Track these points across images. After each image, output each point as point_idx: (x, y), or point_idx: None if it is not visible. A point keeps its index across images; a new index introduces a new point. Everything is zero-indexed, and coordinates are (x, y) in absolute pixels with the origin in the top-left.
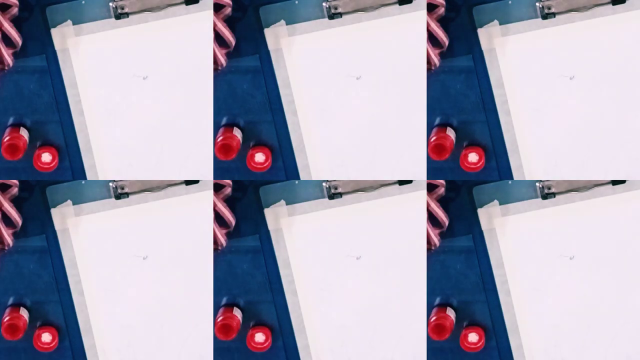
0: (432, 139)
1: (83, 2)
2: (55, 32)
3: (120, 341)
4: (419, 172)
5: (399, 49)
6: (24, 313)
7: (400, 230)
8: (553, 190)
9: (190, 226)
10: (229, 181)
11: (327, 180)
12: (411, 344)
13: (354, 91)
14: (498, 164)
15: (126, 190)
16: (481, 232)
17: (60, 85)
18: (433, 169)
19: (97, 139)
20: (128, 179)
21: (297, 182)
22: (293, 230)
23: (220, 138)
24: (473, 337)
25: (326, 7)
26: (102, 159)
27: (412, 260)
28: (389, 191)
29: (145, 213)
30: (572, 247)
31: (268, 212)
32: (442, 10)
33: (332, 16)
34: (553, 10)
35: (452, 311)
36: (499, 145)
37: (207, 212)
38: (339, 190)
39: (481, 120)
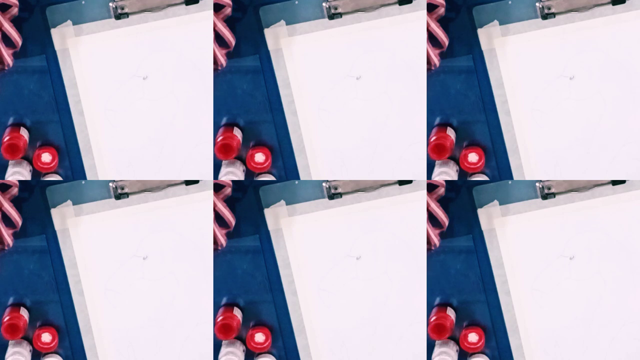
0: (432, 139)
1: (83, 2)
2: (55, 32)
3: (120, 341)
4: (419, 172)
5: (399, 49)
6: (24, 313)
7: (400, 230)
8: (553, 190)
9: (190, 226)
10: (229, 181)
11: (327, 180)
12: (411, 344)
13: (354, 91)
14: (498, 164)
15: (126, 190)
16: (481, 232)
17: (60, 85)
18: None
19: (97, 139)
20: (128, 179)
21: (297, 182)
22: (293, 230)
23: (220, 138)
24: (473, 337)
25: (326, 7)
26: (102, 159)
27: (412, 260)
28: (389, 191)
29: (145, 213)
30: (572, 247)
31: (268, 212)
32: (442, 10)
33: (332, 16)
34: (553, 10)
35: (452, 311)
36: (499, 145)
37: (207, 212)
38: (339, 190)
39: (481, 120)
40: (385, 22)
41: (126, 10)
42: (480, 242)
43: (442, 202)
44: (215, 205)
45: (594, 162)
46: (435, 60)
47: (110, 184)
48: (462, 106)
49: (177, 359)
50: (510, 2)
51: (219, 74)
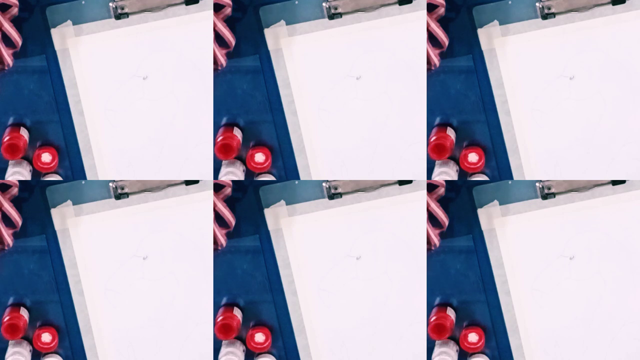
0: (432, 139)
1: (83, 2)
2: (55, 32)
3: (120, 341)
4: (419, 172)
5: (399, 49)
6: (24, 313)
7: (400, 230)
8: (553, 190)
9: (190, 226)
10: (229, 181)
11: (327, 180)
12: (411, 344)
13: (354, 91)
14: (498, 164)
15: (126, 190)
16: (481, 232)
17: (60, 85)
18: None
19: (97, 139)
20: (128, 179)
21: (297, 182)
22: (293, 230)
23: (220, 138)
24: (473, 337)
25: (326, 7)
26: (102, 159)
27: (412, 260)
28: (389, 191)
29: (145, 213)
30: (572, 247)
31: (268, 212)
32: (442, 10)
33: (332, 16)
34: (553, 10)
35: (452, 311)
36: (499, 145)
37: (207, 212)
38: (339, 190)
39: (481, 120)
40: (385, 22)
41: (126, 10)
42: (480, 242)
43: (442, 202)
44: (215, 205)
45: (594, 162)
46: (435, 60)
47: (110, 184)
48: (462, 106)
49: (177, 359)
50: (510, 2)
51: (219, 74)
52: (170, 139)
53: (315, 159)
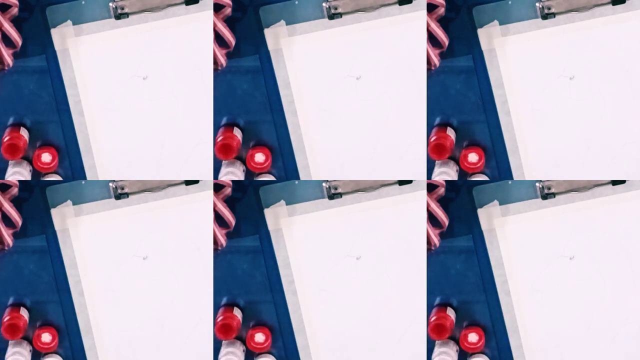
0: (432, 139)
1: (83, 2)
2: (55, 32)
3: (120, 341)
4: (419, 172)
5: (399, 49)
6: (24, 313)
7: (400, 230)
8: (553, 190)
9: (190, 226)
10: (229, 181)
11: (327, 181)
12: (411, 344)
13: (354, 91)
14: (498, 164)
15: (126, 190)
16: (481, 232)
17: (60, 85)
18: None
19: (97, 139)
20: (128, 179)
21: (297, 182)
22: (293, 230)
23: (220, 138)
24: (473, 337)
25: (326, 7)
26: (102, 159)
27: (412, 260)
28: (389, 191)
29: (145, 213)
30: (572, 247)
31: (268, 212)
32: (442, 10)
33: (332, 16)
34: (553, 10)
35: (452, 311)
36: (499, 145)
37: (207, 212)
38: (339, 190)
39: (481, 120)
40: (385, 22)
41: (126, 10)
42: (480, 242)
43: (442, 202)
44: (215, 205)
45: (594, 162)
46: (435, 60)
47: (110, 184)
48: (462, 106)
49: (177, 359)
50: (510, 2)
51: (219, 74)
52: (170, 139)
53: (315, 159)
